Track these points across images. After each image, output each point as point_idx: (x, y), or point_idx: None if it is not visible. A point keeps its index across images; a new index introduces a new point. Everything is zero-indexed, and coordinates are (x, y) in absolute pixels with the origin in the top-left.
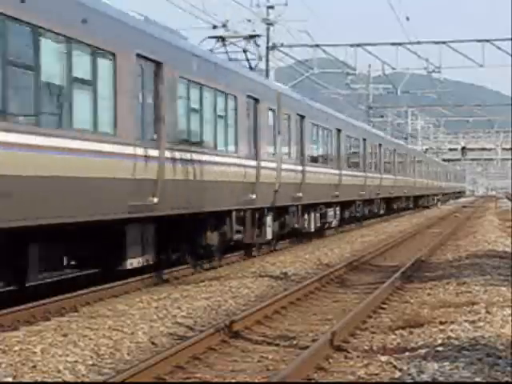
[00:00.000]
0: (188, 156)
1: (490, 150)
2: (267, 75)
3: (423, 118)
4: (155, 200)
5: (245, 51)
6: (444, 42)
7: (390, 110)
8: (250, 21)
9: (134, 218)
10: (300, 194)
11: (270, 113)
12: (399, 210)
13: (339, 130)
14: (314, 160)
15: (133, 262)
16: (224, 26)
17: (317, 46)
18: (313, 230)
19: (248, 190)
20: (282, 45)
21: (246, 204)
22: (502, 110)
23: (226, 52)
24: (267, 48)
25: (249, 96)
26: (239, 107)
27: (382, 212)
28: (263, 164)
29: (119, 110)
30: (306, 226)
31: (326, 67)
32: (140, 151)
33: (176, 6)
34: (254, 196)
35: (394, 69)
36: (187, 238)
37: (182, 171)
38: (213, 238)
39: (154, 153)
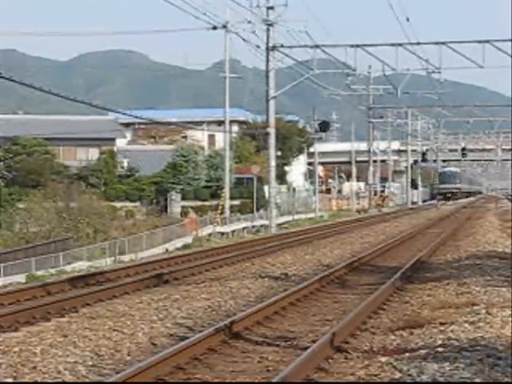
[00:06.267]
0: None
1: (490, 150)
2: (267, 76)
3: (423, 119)
4: None
5: None
6: (444, 43)
7: (390, 110)
8: (250, 22)
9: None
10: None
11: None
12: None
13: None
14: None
15: None
16: (224, 26)
17: (317, 46)
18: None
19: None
20: (281, 45)
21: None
22: (502, 111)
23: None
24: (267, 49)
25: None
26: None
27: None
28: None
29: None
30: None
31: (326, 68)
32: None
33: (176, 6)
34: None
35: (394, 69)
36: None
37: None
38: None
39: None
